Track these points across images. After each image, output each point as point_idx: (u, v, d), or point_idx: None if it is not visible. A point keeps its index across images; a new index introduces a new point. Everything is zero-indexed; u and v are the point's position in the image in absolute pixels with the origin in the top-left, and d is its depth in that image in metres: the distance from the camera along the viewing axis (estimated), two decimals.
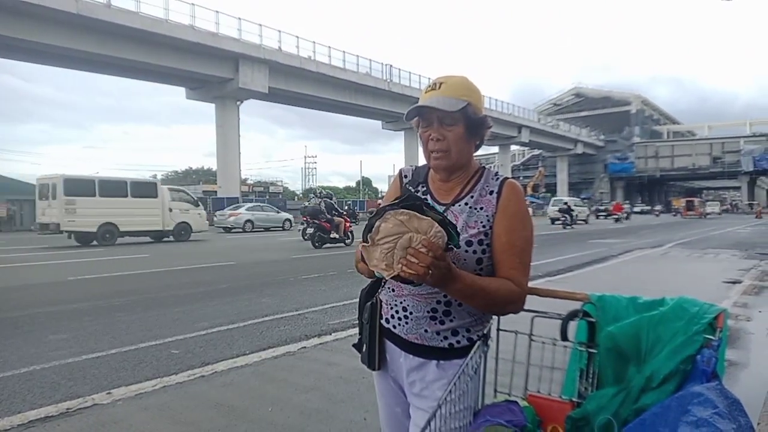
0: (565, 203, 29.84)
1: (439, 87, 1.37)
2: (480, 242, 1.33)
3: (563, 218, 27.99)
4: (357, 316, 1.56)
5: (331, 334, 4.93)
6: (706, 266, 10.48)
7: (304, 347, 4.49)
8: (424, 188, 1.48)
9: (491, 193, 1.38)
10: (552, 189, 68.57)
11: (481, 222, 1.35)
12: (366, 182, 71.74)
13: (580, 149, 72.54)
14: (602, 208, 44.40)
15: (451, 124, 1.35)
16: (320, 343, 4.62)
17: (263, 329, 5.22)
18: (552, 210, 31.54)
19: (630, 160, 75.36)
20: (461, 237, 1.32)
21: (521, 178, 73.01)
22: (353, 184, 74.27)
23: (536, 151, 79.82)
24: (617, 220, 35.33)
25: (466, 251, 1.32)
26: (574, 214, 29.09)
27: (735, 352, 4.25)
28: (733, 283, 7.96)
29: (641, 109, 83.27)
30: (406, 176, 1.54)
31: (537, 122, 62.88)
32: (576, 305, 1.55)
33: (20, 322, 5.55)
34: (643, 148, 76.63)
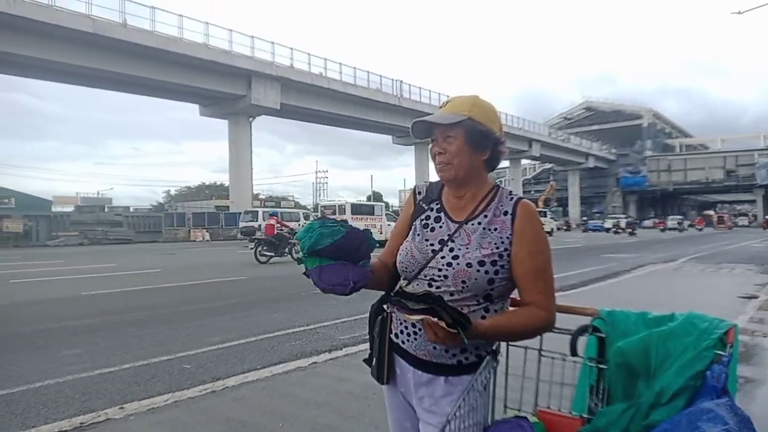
0: (681, 217, 53.23)
1: (445, 105, 1.43)
2: (493, 263, 1.33)
3: (680, 227, 47.12)
4: (368, 331, 1.57)
5: (342, 349, 4.92)
6: (721, 281, 10.33)
7: (315, 362, 4.49)
8: (438, 205, 1.49)
9: (506, 213, 1.39)
10: (564, 203, 68.24)
11: (495, 243, 1.36)
12: (377, 197, 71.89)
13: (591, 163, 72.24)
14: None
15: (451, 136, 1.39)
16: (331, 359, 4.62)
17: (274, 344, 5.23)
18: (672, 222, 49.47)
19: (642, 173, 74.84)
20: (474, 256, 1.34)
21: (532, 192, 72.79)
22: (364, 199, 74.53)
23: (547, 165, 79.61)
24: (700, 230, 47.21)
25: (478, 271, 1.33)
26: (684, 224, 48.88)
27: (751, 369, 4.18)
28: (749, 298, 7.83)
29: (653, 123, 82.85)
30: (420, 193, 1.55)
31: (548, 136, 62.78)
32: (586, 320, 1.56)
33: (34, 337, 5.61)
34: (655, 162, 76.09)
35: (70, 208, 44.16)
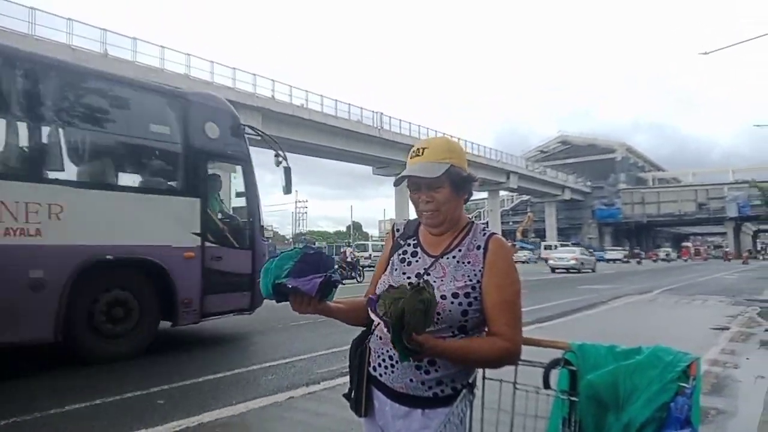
0: (669, 250, 60.17)
1: (422, 153, 1.46)
2: (467, 295, 1.39)
3: (668, 258, 54.01)
4: (347, 364, 1.60)
5: (319, 383, 4.86)
6: (694, 313, 10.54)
7: (292, 397, 4.43)
8: (415, 241, 1.56)
9: (478, 248, 1.45)
10: (541, 234, 69.06)
11: (468, 276, 1.41)
12: (356, 227, 71.91)
13: (567, 195, 73.59)
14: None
15: (438, 186, 1.44)
16: (308, 393, 4.56)
17: (250, 378, 5.14)
18: (662, 254, 56.82)
19: (617, 206, 76.41)
20: (448, 288, 1.39)
21: (510, 223, 73.59)
22: (343, 229, 74.48)
23: (525, 197, 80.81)
24: (686, 260, 54.89)
25: (452, 303, 1.38)
26: (672, 255, 56.92)
27: (722, 400, 4.26)
28: (721, 329, 8.00)
29: (626, 157, 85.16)
30: (398, 230, 1.63)
31: (525, 168, 63.93)
32: (558, 353, 1.60)
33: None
34: (629, 195, 77.88)
35: None
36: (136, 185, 6.34)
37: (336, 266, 1.43)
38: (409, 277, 1.47)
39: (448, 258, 1.46)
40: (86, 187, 5.61)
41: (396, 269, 1.52)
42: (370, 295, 1.30)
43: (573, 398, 1.47)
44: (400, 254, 1.55)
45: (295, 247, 1.41)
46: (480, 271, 1.42)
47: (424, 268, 1.47)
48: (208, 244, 6.39)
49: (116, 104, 6.09)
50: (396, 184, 1.54)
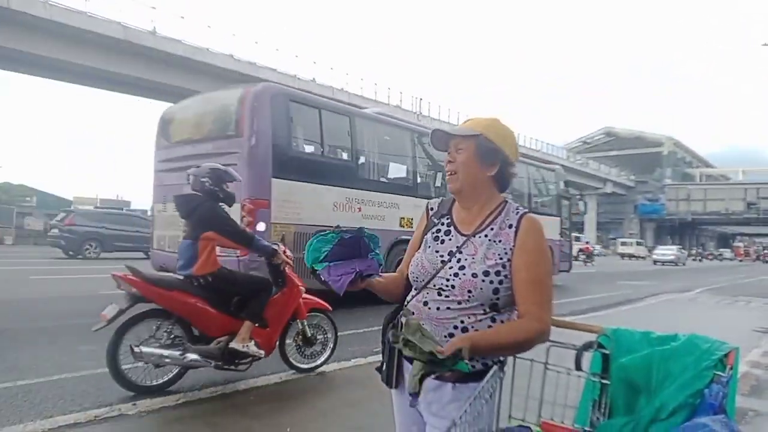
0: (727, 249, 66.25)
1: (465, 122, 1.55)
2: (497, 273, 1.41)
3: (719, 257, 59.10)
4: (381, 339, 1.65)
5: (350, 360, 4.96)
6: (737, 313, 10.18)
7: (323, 372, 4.54)
8: (448, 219, 1.58)
9: (510, 226, 1.47)
10: (579, 228, 67.57)
11: (499, 254, 1.43)
12: None
13: (609, 188, 71.51)
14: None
15: (461, 149, 1.49)
16: (339, 369, 4.68)
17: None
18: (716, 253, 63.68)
19: (661, 201, 73.85)
20: (479, 267, 1.41)
21: None
22: None
23: None
24: (740, 261, 55.94)
25: (483, 281, 1.40)
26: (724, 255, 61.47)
27: (761, 403, 4.14)
28: (765, 332, 7.72)
29: (673, 151, 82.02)
30: (432, 209, 1.65)
31: (566, 159, 62.43)
32: (591, 337, 1.61)
33: (53, 332, 5.76)
34: (674, 191, 75.11)
35: (89, 208, 44.84)
36: (550, 214, 13.81)
37: (377, 247, 1.44)
38: (441, 255, 1.49)
39: (480, 236, 1.48)
40: (540, 214, 11.15)
41: (429, 247, 1.54)
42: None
43: (605, 381, 1.48)
44: (433, 232, 1.57)
45: (330, 231, 1.44)
46: (511, 249, 1.43)
47: (456, 246, 1.49)
48: (561, 239, 14.31)
49: (539, 181, 14.25)
50: (431, 140, 1.57)
